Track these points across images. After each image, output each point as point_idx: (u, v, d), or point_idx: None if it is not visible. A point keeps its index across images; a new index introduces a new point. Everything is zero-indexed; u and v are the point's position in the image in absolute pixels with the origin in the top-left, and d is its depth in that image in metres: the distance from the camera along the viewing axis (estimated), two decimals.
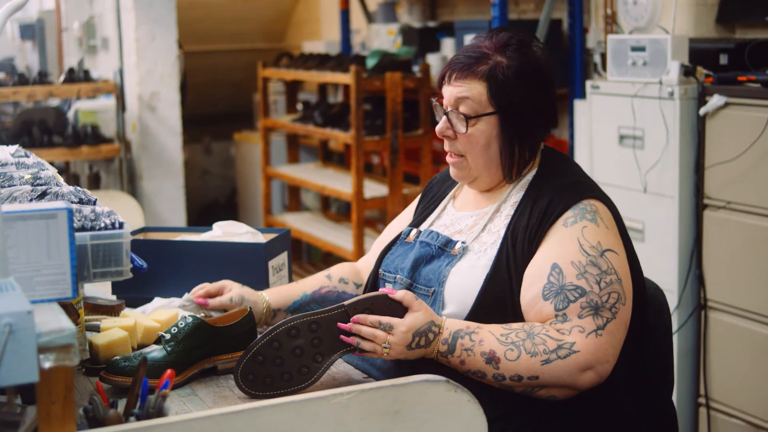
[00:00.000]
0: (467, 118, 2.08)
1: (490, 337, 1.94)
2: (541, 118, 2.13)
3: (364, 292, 2.28)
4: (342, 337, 1.94)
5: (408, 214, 2.39)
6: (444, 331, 1.95)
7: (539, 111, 2.12)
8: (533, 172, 2.14)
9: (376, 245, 2.40)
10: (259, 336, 1.97)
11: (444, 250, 2.12)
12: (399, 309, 1.95)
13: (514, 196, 2.12)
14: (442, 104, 2.16)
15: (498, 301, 2.01)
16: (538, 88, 2.10)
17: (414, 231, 2.23)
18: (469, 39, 4.90)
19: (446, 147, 2.16)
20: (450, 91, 2.12)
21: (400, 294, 1.95)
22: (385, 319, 1.93)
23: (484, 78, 2.08)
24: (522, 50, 2.09)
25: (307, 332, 1.94)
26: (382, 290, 1.98)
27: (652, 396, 2.15)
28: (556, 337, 1.93)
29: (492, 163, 2.11)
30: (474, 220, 2.15)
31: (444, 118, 2.14)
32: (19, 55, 8.05)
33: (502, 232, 2.08)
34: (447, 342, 1.95)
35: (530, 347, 1.92)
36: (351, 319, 1.94)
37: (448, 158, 2.17)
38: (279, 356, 1.94)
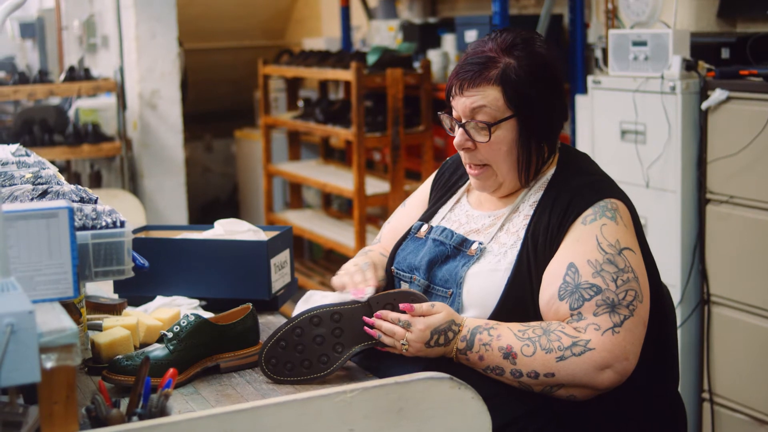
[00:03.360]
0: (489, 126, 2.04)
1: (507, 332, 1.95)
2: (555, 114, 2.11)
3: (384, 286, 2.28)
4: (365, 328, 2.00)
5: (421, 199, 2.37)
6: (463, 329, 1.97)
7: (553, 106, 2.10)
8: (552, 171, 2.12)
9: (388, 230, 2.38)
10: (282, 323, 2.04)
11: (460, 250, 2.11)
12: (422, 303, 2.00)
13: (533, 195, 2.11)
14: (451, 117, 2.12)
15: (519, 303, 2.01)
16: (549, 84, 2.08)
17: (425, 226, 2.22)
18: (469, 35, 4.90)
19: (466, 159, 2.11)
20: (463, 102, 2.06)
21: (418, 309, 1.97)
22: (405, 317, 1.97)
23: (498, 82, 2.03)
24: (529, 48, 2.06)
25: (330, 322, 2.00)
26: (402, 288, 2.03)
27: (666, 391, 2.14)
28: (572, 334, 1.92)
29: (515, 167, 2.09)
30: (491, 221, 2.14)
31: (461, 130, 2.08)
32: (20, 53, 8.04)
33: (521, 233, 2.06)
34: (465, 338, 1.97)
35: (545, 343, 1.92)
36: (374, 315, 1.99)
37: (470, 170, 2.12)
38: (300, 343, 1.99)
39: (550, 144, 2.11)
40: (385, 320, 1.99)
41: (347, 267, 2.20)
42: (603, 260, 1.96)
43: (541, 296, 2.00)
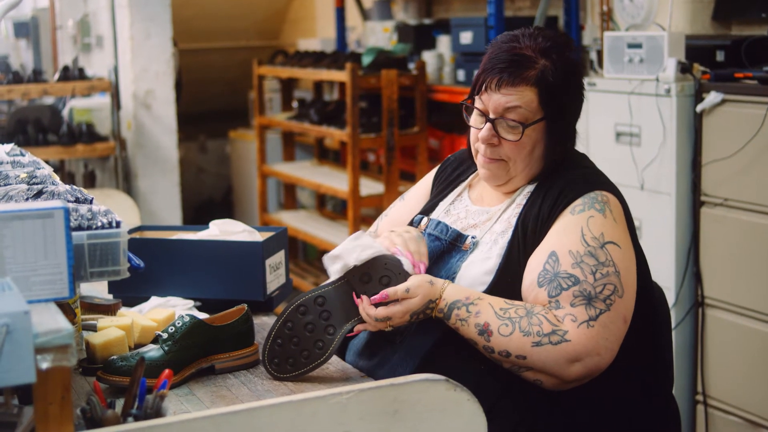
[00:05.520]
0: (524, 127, 2.05)
1: (488, 309, 1.96)
2: (578, 118, 2.14)
3: None
4: (352, 306, 2.01)
5: (422, 193, 2.37)
6: (440, 302, 1.99)
7: (578, 112, 2.14)
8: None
9: (385, 222, 2.38)
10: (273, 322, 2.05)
11: (455, 245, 2.12)
12: (396, 268, 2.01)
13: (528, 186, 2.13)
14: (473, 106, 2.11)
15: (508, 289, 2.02)
16: (578, 90, 2.12)
17: (425, 219, 2.23)
18: (464, 36, 4.90)
19: (486, 153, 2.10)
20: (497, 99, 2.06)
21: (392, 294, 1.98)
22: (382, 313, 1.98)
23: (535, 84, 2.04)
24: (563, 53, 2.08)
25: (315, 307, 2.02)
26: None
27: (660, 392, 2.14)
28: (553, 321, 1.93)
29: (532, 165, 2.10)
30: (489, 215, 2.15)
31: (488, 125, 2.08)
32: (14, 53, 8.02)
33: (513, 221, 2.08)
34: (443, 311, 1.99)
35: (525, 326, 1.93)
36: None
37: (484, 161, 2.11)
38: (294, 336, 2.02)
39: (570, 144, 2.14)
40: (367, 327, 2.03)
41: (399, 231, 2.12)
42: (584, 252, 1.97)
43: (523, 281, 2.01)
